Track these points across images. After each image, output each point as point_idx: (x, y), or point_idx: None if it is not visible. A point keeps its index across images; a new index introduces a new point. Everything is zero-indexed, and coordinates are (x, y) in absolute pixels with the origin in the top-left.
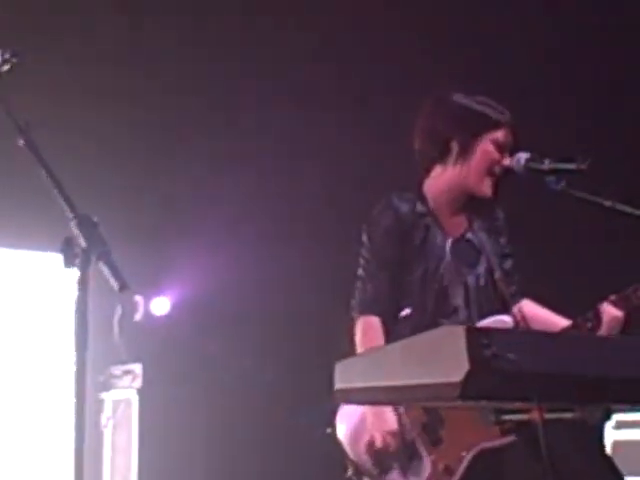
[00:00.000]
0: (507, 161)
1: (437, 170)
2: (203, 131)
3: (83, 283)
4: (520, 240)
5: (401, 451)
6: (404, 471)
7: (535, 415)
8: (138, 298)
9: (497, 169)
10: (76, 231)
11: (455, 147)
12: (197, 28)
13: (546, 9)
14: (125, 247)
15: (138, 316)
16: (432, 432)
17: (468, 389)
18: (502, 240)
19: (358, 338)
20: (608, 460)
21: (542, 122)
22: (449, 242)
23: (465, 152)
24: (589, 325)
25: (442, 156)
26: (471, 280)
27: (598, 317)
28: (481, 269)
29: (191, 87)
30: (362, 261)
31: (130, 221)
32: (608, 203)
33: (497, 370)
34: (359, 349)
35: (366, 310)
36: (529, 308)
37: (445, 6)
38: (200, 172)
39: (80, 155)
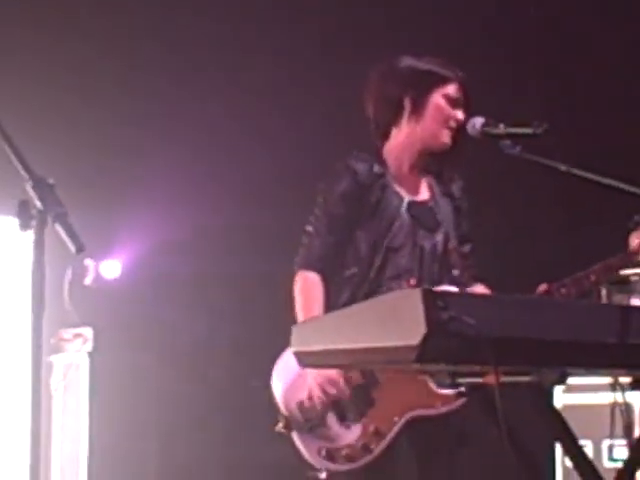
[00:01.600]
0: (460, 115)
1: (394, 133)
2: (155, 98)
3: (39, 245)
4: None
5: (334, 411)
6: (335, 430)
7: (491, 379)
8: (88, 262)
9: (452, 123)
10: (32, 193)
11: (408, 105)
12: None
13: None
14: (73, 209)
15: (88, 280)
16: (366, 394)
17: (425, 352)
18: (464, 224)
19: (296, 292)
20: (562, 422)
21: (498, 87)
22: (405, 203)
23: (418, 108)
24: None
25: (396, 117)
26: (427, 244)
27: None
28: (439, 237)
29: (143, 53)
30: (312, 219)
31: (77, 183)
32: (564, 167)
33: (454, 333)
34: (297, 303)
35: (308, 266)
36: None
37: None
38: (152, 133)
39: (32, 117)
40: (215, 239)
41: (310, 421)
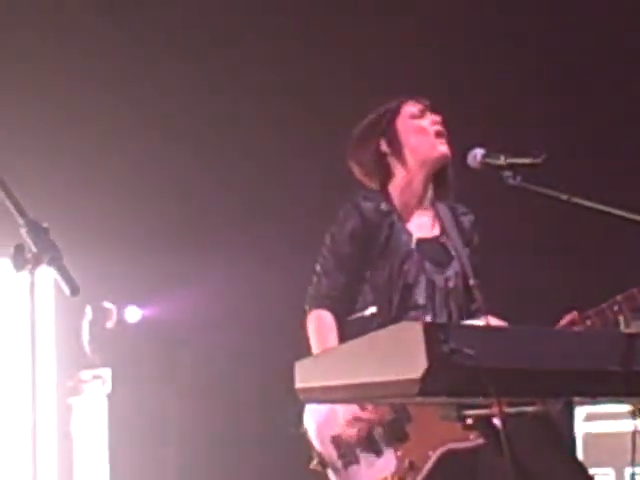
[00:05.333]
0: (435, 117)
1: (392, 177)
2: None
3: (33, 288)
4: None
5: (368, 446)
6: (370, 465)
7: (496, 410)
8: (109, 305)
9: (433, 127)
10: (26, 237)
11: (384, 146)
12: None
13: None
14: (106, 255)
15: (111, 324)
16: (399, 428)
17: (427, 385)
18: (475, 258)
19: (310, 331)
20: (572, 453)
21: (497, 118)
22: (414, 240)
23: (394, 141)
24: None
25: (386, 167)
26: (439, 280)
27: None
28: (451, 272)
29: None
30: (321, 258)
31: (112, 232)
32: (565, 197)
33: (455, 366)
34: (312, 342)
35: (319, 305)
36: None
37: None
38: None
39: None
40: (236, 282)
41: (345, 457)
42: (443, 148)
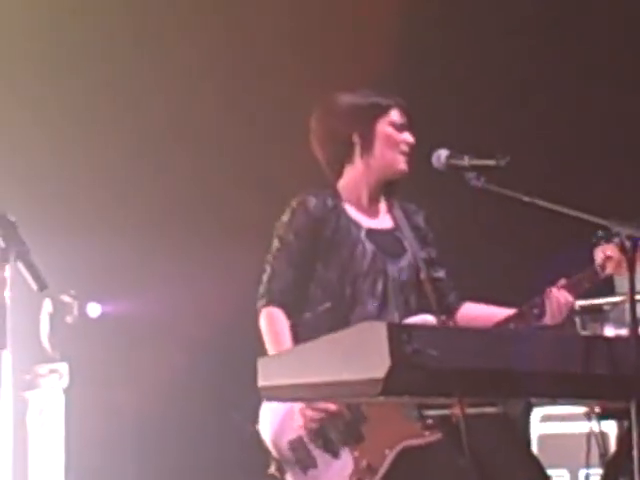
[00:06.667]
0: (410, 137)
1: (347, 169)
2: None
3: (2, 282)
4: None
5: (324, 448)
6: (327, 468)
7: (457, 410)
8: (69, 299)
9: (404, 147)
10: None
11: (357, 140)
12: None
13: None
14: (70, 250)
15: (71, 318)
16: (354, 429)
17: (390, 385)
18: (431, 250)
19: (264, 329)
20: (530, 453)
21: (461, 119)
22: (364, 231)
23: (367, 141)
24: (535, 312)
25: (348, 154)
26: (392, 270)
27: (544, 303)
28: (404, 262)
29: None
30: (270, 256)
31: (76, 227)
32: (527, 198)
33: (418, 366)
34: (267, 340)
35: (270, 301)
36: (468, 310)
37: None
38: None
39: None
40: (191, 276)
41: (302, 461)
42: (403, 166)
